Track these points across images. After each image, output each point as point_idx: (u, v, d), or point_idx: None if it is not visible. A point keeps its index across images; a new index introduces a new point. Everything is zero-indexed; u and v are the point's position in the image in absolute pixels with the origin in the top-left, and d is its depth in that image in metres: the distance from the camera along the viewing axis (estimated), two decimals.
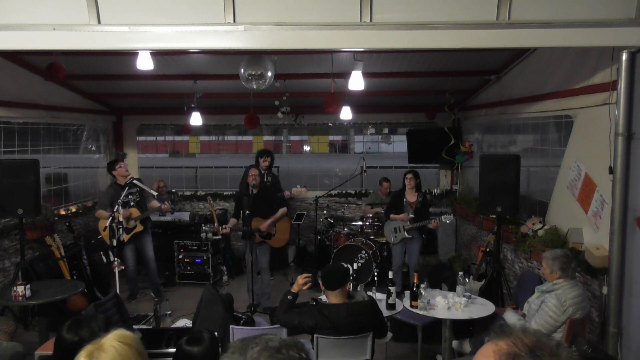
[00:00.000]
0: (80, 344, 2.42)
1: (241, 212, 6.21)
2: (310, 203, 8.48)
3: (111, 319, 3.30)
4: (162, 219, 7.54)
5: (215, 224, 6.23)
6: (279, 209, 6.17)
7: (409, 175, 6.41)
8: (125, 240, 6.15)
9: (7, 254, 5.91)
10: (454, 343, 4.49)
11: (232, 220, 6.26)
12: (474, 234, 7.31)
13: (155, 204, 6.40)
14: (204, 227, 6.37)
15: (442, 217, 6.19)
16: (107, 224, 5.23)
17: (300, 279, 3.60)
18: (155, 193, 6.17)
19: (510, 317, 4.04)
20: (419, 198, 6.40)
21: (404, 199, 6.45)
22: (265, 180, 7.28)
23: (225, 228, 6.07)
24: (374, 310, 3.47)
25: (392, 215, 6.49)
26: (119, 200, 5.47)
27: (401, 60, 6.25)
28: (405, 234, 6.33)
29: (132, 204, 6.23)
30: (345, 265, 4.00)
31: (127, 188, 5.75)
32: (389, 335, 4.62)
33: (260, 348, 1.12)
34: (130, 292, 6.59)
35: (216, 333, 3.05)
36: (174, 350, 2.67)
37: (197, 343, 2.58)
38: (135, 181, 5.90)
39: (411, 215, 6.31)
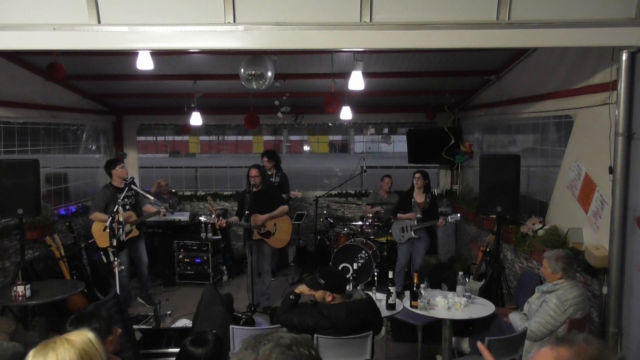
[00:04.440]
0: None
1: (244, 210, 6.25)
2: (310, 203, 8.48)
3: (112, 317, 3.30)
4: (162, 219, 7.52)
5: (213, 215, 6.30)
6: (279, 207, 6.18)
7: (417, 175, 6.41)
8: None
9: (7, 254, 5.91)
10: (453, 341, 4.48)
11: (235, 218, 6.29)
12: (474, 234, 7.31)
13: (150, 208, 6.30)
14: (201, 218, 6.38)
15: (449, 217, 6.23)
16: (107, 224, 5.21)
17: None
18: (151, 198, 6.03)
19: (515, 317, 4.05)
20: (427, 199, 6.41)
21: (412, 200, 6.45)
22: (274, 179, 7.32)
23: (221, 220, 6.12)
24: (372, 308, 3.49)
25: (399, 215, 6.49)
26: (119, 201, 5.45)
27: (401, 60, 6.25)
28: (412, 233, 6.34)
29: (127, 207, 6.03)
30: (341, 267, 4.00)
31: (126, 189, 5.64)
32: (383, 329, 4.63)
33: (272, 345, 1.15)
34: (124, 299, 6.51)
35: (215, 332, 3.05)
36: (174, 350, 2.68)
37: (201, 344, 2.58)
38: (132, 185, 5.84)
39: (419, 215, 6.32)
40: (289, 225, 6.32)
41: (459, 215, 6.32)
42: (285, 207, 6.24)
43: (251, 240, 6.03)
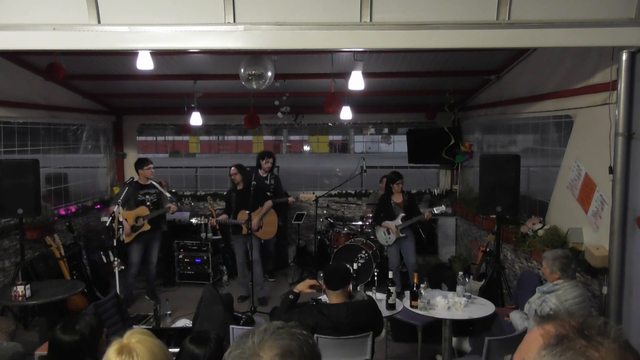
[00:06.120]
0: (81, 342, 2.45)
1: (232, 208, 6.49)
2: (310, 203, 8.47)
3: (102, 317, 3.30)
4: None
5: (203, 216, 6.63)
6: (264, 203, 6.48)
7: (399, 181, 6.49)
8: (127, 241, 6.07)
9: (7, 254, 5.91)
10: (454, 341, 4.49)
11: (223, 216, 6.54)
12: (474, 234, 7.31)
13: (172, 207, 6.47)
14: (192, 220, 6.57)
15: (435, 208, 6.35)
16: (107, 224, 5.21)
17: (309, 282, 3.60)
18: (168, 195, 6.28)
19: (515, 316, 4.05)
20: (404, 197, 6.52)
21: (391, 202, 6.50)
22: (269, 182, 7.32)
23: (211, 220, 6.48)
24: (374, 309, 3.48)
25: (383, 223, 6.52)
26: (119, 201, 5.45)
27: (401, 60, 6.25)
28: (399, 233, 6.36)
29: (148, 203, 6.29)
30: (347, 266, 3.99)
31: (126, 189, 5.70)
32: (383, 331, 4.64)
33: (265, 327, 1.23)
34: (125, 298, 6.52)
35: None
36: (174, 350, 2.67)
37: (203, 343, 2.57)
38: (154, 183, 6.17)
39: (402, 214, 6.36)
40: (274, 218, 6.61)
41: (443, 206, 6.43)
42: (269, 202, 6.54)
43: (239, 236, 6.36)
